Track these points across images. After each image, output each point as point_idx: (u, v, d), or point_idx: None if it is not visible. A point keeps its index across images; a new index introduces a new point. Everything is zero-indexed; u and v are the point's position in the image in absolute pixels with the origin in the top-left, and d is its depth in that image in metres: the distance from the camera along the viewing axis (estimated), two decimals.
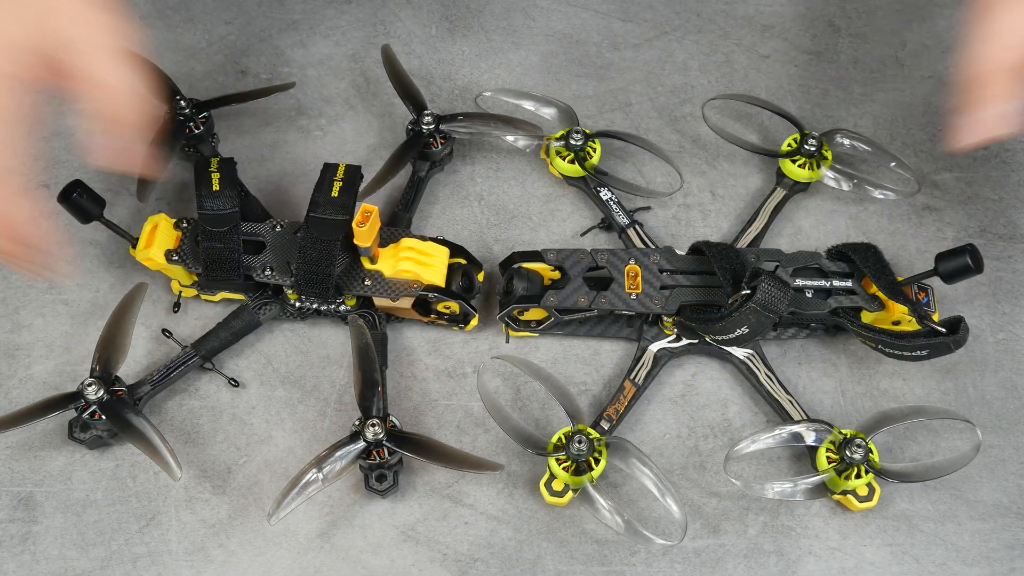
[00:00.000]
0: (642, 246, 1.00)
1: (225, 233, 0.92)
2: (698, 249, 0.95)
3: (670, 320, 0.95)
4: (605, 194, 1.03)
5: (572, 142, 1.03)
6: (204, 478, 0.91)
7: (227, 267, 0.92)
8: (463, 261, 0.96)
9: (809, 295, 0.93)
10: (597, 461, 0.86)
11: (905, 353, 0.89)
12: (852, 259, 0.94)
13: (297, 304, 0.95)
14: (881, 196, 1.05)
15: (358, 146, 1.09)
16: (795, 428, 0.89)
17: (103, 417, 0.87)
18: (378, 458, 0.86)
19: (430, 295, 0.93)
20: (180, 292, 0.98)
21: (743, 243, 1.01)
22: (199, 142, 1.04)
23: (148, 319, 0.98)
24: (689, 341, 0.95)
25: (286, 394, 0.95)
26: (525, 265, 0.95)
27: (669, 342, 0.96)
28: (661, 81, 1.14)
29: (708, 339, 0.93)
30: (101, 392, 0.87)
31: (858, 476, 0.86)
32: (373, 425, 0.86)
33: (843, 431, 0.88)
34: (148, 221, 0.95)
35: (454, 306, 0.94)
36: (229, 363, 0.97)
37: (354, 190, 0.92)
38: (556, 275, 0.95)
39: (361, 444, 0.86)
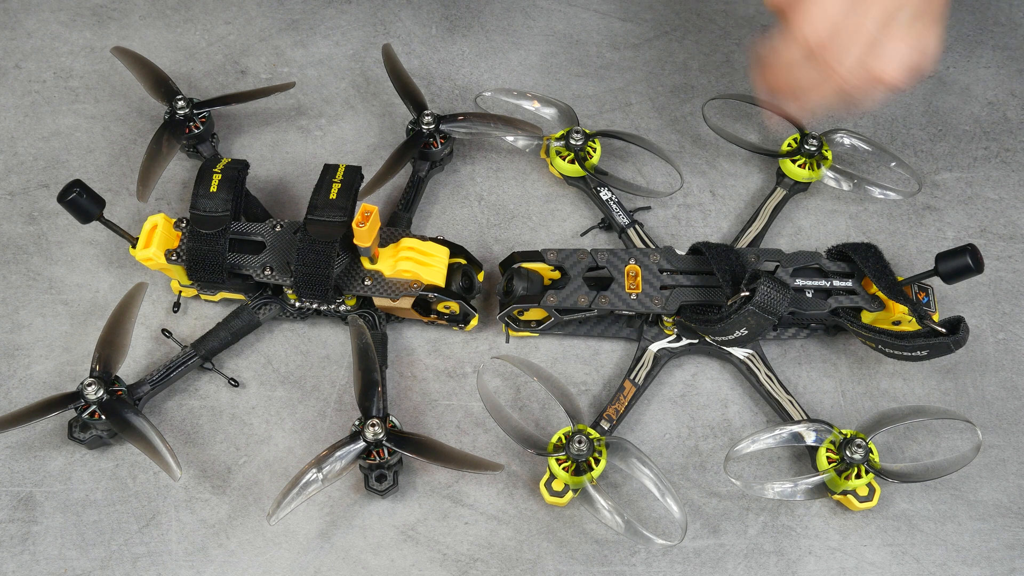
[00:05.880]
0: (642, 246, 1.00)
1: (212, 236, 0.92)
2: (698, 250, 0.95)
3: (670, 320, 0.95)
4: (605, 194, 1.03)
5: (572, 142, 1.03)
6: (204, 478, 0.91)
7: (209, 269, 0.92)
8: (463, 261, 0.96)
9: (809, 295, 0.93)
10: (597, 461, 0.86)
11: (905, 353, 0.89)
12: (852, 259, 0.93)
13: (297, 304, 0.95)
14: (881, 196, 1.05)
15: (358, 146, 1.09)
16: (795, 428, 0.89)
17: (103, 417, 0.87)
18: (378, 458, 0.86)
19: (430, 295, 0.92)
20: (180, 292, 0.98)
21: (743, 243, 1.00)
22: (199, 142, 1.04)
23: (148, 319, 0.98)
24: (689, 341, 0.95)
25: (286, 394, 0.95)
26: (525, 265, 0.95)
27: (669, 342, 0.95)
28: (661, 81, 1.14)
29: (708, 339, 0.93)
30: (101, 392, 0.87)
31: (858, 476, 0.86)
32: (373, 425, 0.86)
33: (843, 431, 0.88)
34: (148, 221, 0.94)
35: (454, 306, 0.94)
36: (229, 363, 0.96)
37: (353, 191, 0.92)
38: (556, 275, 0.95)
39: (361, 444, 0.86)
